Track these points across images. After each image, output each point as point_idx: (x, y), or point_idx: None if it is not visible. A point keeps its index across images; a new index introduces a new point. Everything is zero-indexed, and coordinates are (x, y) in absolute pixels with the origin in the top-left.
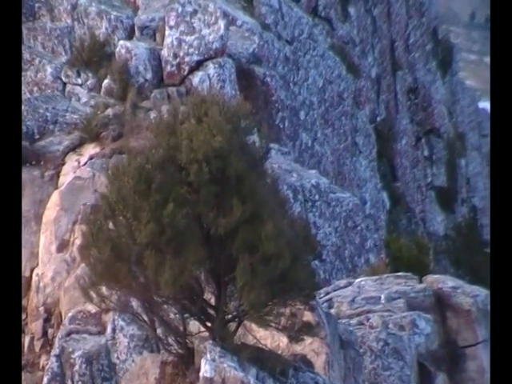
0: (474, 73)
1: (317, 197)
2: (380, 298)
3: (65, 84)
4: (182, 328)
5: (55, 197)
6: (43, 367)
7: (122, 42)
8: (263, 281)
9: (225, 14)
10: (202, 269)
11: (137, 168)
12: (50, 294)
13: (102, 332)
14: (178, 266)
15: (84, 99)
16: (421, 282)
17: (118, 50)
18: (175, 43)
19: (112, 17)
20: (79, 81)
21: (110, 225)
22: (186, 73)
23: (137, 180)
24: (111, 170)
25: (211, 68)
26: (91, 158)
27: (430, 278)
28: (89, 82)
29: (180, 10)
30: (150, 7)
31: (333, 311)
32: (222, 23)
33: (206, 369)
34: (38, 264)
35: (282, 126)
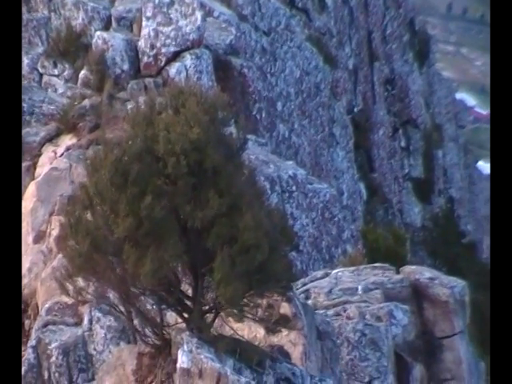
0: (450, 64)
1: (294, 188)
2: (357, 288)
3: (41, 75)
4: (158, 319)
5: (32, 188)
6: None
7: (98, 32)
8: (240, 273)
9: (202, 5)
10: (179, 261)
11: (113, 161)
12: (27, 285)
13: (78, 323)
14: (157, 259)
15: (61, 90)
16: (398, 272)
17: (94, 40)
18: (152, 34)
19: (89, 7)
20: (56, 72)
21: (88, 216)
22: (162, 64)
23: (113, 173)
24: (90, 162)
25: (188, 59)
26: (68, 148)
27: (407, 268)
28: (65, 73)
29: (157, 1)
30: None
31: (310, 302)
32: (198, 14)
33: (182, 360)
34: None
35: (259, 117)
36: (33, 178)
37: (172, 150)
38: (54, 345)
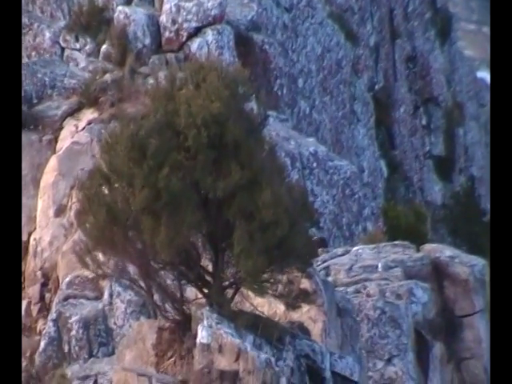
0: (472, 42)
1: (315, 164)
2: (377, 266)
3: (63, 49)
4: (178, 294)
5: (53, 161)
6: (40, 332)
7: (120, 7)
8: (260, 248)
9: None
10: (198, 234)
11: (129, 136)
12: (48, 258)
13: (99, 297)
14: (173, 227)
15: (82, 64)
16: (418, 250)
17: (116, 15)
18: (174, 9)
19: None
20: (77, 46)
21: (106, 190)
22: (184, 39)
23: (130, 148)
24: (104, 141)
25: (210, 34)
26: (89, 123)
27: (428, 246)
28: (87, 47)
29: None
30: None
31: (330, 279)
32: None
33: (202, 335)
34: (35, 228)
35: (280, 93)
36: (54, 152)
37: (193, 122)
38: (74, 318)
